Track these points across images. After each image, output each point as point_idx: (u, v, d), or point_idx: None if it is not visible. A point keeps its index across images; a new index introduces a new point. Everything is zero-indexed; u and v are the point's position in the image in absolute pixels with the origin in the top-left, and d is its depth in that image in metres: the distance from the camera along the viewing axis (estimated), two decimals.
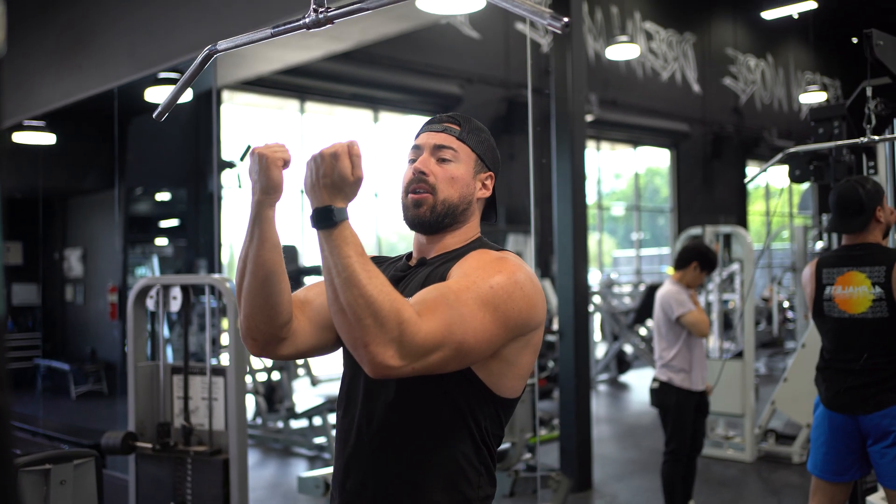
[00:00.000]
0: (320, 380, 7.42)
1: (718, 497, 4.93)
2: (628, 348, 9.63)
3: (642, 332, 9.66)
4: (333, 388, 6.32)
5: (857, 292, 2.75)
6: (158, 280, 3.26)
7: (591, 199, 12.24)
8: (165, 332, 4.52)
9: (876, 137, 2.99)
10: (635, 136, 13.31)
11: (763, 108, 15.68)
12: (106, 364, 7.56)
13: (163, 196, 8.52)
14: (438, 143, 1.39)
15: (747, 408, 5.53)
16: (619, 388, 9.35)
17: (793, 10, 12.97)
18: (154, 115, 1.58)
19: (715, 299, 6.28)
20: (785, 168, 3.66)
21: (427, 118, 1.47)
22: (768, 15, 14.04)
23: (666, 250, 14.35)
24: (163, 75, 5.07)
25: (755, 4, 14.07)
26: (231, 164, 7.10)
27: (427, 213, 1.37)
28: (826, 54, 16.79)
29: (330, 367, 7.90)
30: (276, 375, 6.78)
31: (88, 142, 7.33)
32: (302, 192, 8.76)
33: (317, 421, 6.29)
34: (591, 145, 12.38)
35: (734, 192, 15.11)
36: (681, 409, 3.94)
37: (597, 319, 10.05)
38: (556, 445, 5.21)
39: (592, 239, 12.66)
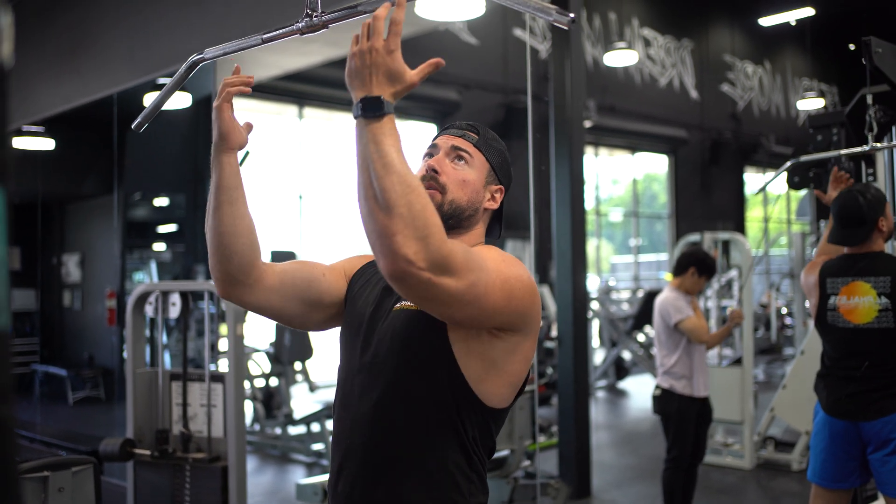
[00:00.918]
0: (318, 386, 7.41)
1: None
2: (627, 355, 9.61)
3: (641, 338, 9.65)
4: (331, 395, 6.30)
5: (862, 302, 2.73)
6: (157, 286, 3.25)
7: (589, 205, 12.23)
8: (164, 338, 4.51)
9: (878, 145, 3.00)
10: (633, 143, 13.33)
11: (761, 114, 15.72)
12: (103, 370, 7.54)
13: (161, 201, 8.51)
14: (455, 145, 1.41)
15: (746, 415, 5.52)
16: (617, 394, 9.34)
17: (790, 17, 13.04)
18: (133, 126, 1.57)
19: (713, 305, 6.28)
20: (783, 175, 3.67)
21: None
22: (766, 22, 14.11)
23: (664, 256, 14.35)
24: (162, 81, 5.07)
25: (753, 11, 14.12)
26: None
27: None
28: (823, 61, 16.85)
29: (327, 373, 7.89)
30: (274, 381, 6.77)
31: (87, 147, 7.32)
32: (301, 196, 8.79)
33: (315, 427, 6.27)
34: (589, 151, 12.38)
35: (732, 198, 15.13)
36: (682, 415, 3.93)
37: (595, 326, 10.04)
38: (554, 452, 5.20)
39: (590, 245, 12.67)
